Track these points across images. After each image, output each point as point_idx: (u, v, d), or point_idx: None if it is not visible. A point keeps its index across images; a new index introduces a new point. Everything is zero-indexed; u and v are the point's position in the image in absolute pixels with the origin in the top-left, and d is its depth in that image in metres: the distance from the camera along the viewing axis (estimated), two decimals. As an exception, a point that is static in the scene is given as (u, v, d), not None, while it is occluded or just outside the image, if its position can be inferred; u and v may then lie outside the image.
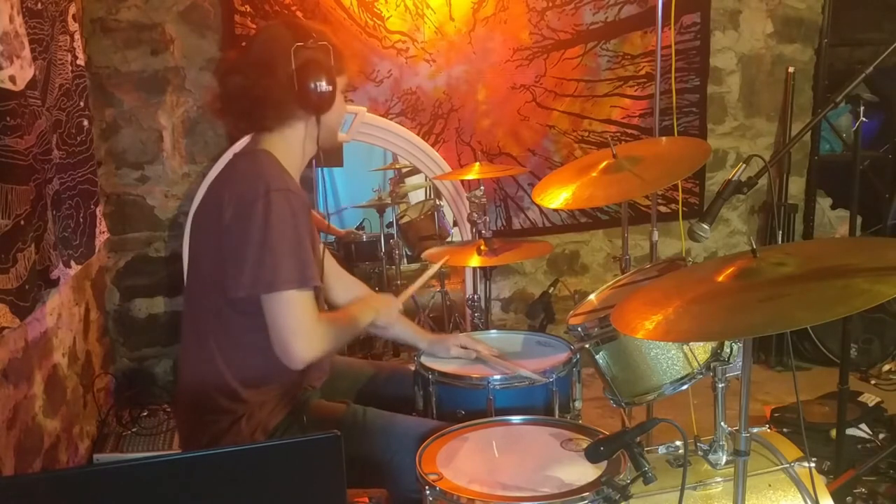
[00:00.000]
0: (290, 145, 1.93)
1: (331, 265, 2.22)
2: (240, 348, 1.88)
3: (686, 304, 1.41)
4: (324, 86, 1.84)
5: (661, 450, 1.72)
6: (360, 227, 4.74)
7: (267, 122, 1.92)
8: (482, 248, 2.61)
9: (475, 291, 2.97)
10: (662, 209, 3.75)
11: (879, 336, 3.83)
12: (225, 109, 1.96)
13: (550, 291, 3.07)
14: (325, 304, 2.12)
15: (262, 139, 1.93)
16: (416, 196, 4.89)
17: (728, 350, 1.76)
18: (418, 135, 3.62)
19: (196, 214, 2.05)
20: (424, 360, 2.14)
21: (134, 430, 3.06)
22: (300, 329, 1.79)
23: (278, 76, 1.85)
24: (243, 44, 3.11)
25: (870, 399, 3.13)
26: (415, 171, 4.41)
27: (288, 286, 1.77)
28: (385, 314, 2.11)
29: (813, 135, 4.11)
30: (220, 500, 1.21)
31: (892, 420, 3.07)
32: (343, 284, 2.27)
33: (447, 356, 2.17)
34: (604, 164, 2.21)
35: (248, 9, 3.36)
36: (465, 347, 2.18)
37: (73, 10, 2.76)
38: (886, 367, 3.81)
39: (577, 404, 2.12)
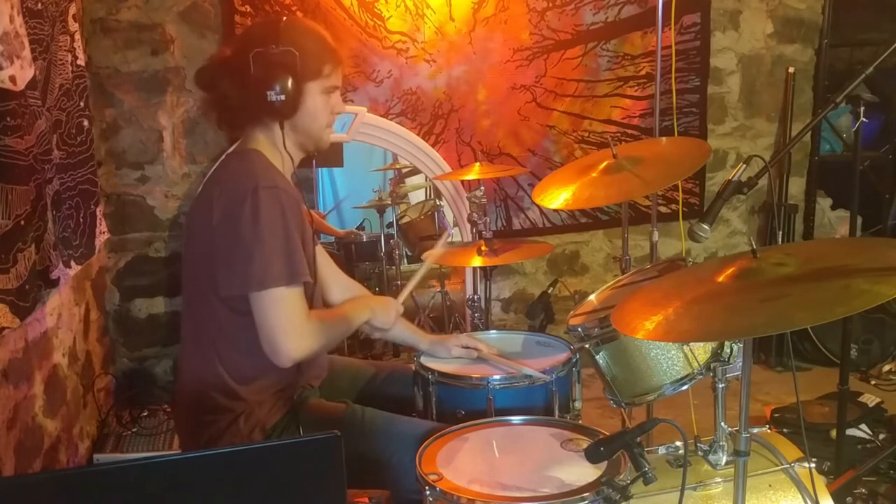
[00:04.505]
0: (273, 146, 1.93)
1: (329, 267, 2.23)
2: (236, 347, 1.88)
3: (686, 304, 1.41)
4: (280, 93, 1.82)
5: (662, 450, 1.72)
6: (361, 227, 4.74)
7: (237, 125, 1.94)
8: (482, 248, 2.61)
9: (475, 291, 2.97)
10: (662, 209, 3.76)
11: (879, 336, 3.83)
12: (203, 109, 1.98)
13: (550, 291, 3.07)
14: (322, 305, 2.11)
15: (252, 139, 1.94)
16: (416, 196, 4.89)
17: (728, 350, 1.76)
18: (418, 135, 3.62)
19: (190, 215, 2.05)
20: (424, 360, 2.14)
21: (134, 430, 3.06)
22: (288, 326, 1.79)
23: (239, 81, 1.85)
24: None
25: (870, 399, 3.13)
26: (415, 171, 4.40)
27: (277, 283, 1.77)
28: (382, 315, 2.09)
29: (813, 135, 4.12)
30: (220, 500, 1.21)
31: (892, 420, 3.07)
32: (340, 286, 2.27)
33: (448, 356, 2.17)
34: (604, 164, 2.21)
35: (248, 9, 3.36)
36: (466, 347, 2.18)
37: (73, 10, 2.76)
38: (886, 368, 3.81)
39: (577, 404, 2.12)
